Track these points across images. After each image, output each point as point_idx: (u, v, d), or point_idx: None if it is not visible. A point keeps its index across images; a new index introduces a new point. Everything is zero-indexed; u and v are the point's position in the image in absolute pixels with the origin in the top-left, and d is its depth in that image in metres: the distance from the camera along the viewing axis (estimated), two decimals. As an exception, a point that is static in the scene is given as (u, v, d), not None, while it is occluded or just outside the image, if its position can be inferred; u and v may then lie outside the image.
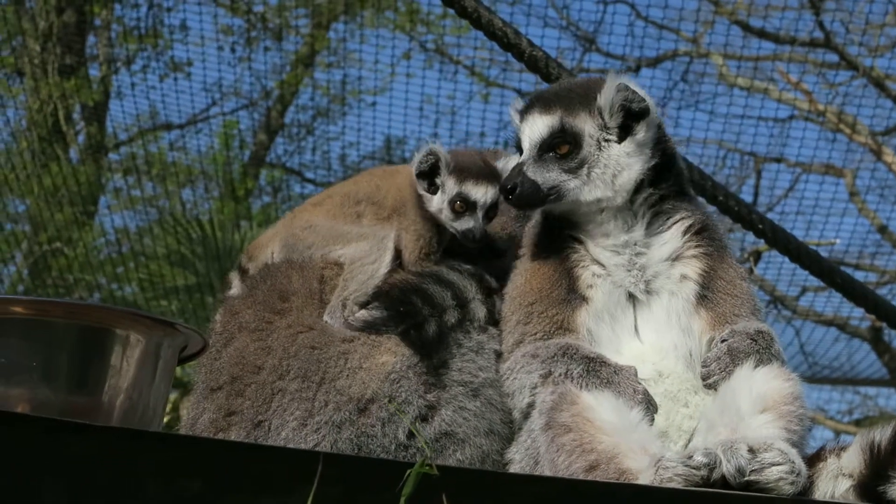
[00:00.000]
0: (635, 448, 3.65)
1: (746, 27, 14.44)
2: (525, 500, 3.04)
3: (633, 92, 4.15)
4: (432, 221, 4.46)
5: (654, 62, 14.71)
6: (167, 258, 14.34)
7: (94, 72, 16.34)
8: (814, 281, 11.55)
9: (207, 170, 15.79)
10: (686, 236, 4.20)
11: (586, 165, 4.12)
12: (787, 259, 8.31)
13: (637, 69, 14.69)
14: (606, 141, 4.15)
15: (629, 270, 4.15)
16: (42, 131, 15.25)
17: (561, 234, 4.23)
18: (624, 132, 4.16)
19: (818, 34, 14.33)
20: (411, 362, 4.05)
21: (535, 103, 4.22)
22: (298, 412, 4.01)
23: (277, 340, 4.17)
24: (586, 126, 4.13)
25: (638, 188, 4.17)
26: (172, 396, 11.88)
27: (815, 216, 13.56)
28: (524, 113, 4.24)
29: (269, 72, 15.57)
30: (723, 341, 4.01)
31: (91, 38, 16.40)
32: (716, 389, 3.96)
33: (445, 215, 4.42)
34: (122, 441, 2.85)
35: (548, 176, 4.12)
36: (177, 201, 15.46)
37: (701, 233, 4.22)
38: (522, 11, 13.33)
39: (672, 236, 4.20)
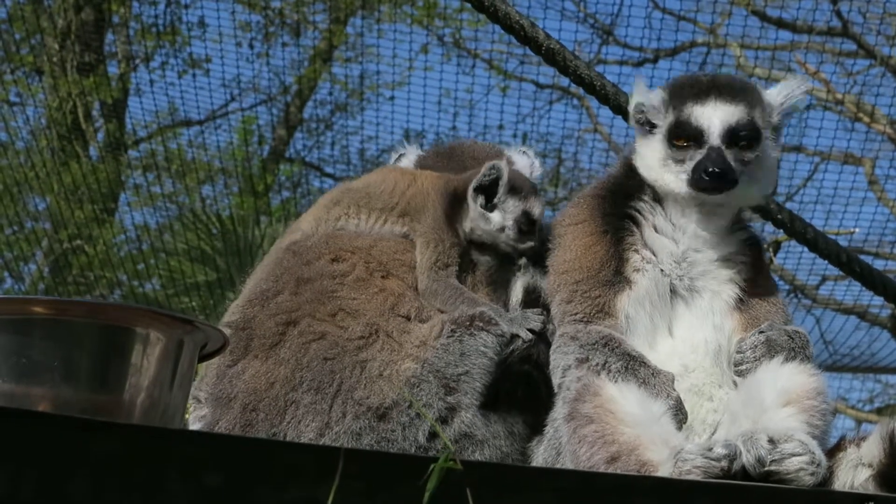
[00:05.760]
0: (656, 440, 3.66)
1: (764, 17, 14.40)
2: (547, 493, 3.04)
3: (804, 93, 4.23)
4: (455, 233, 4.44)
5: (672, 53, 14.66)
6: (187, 254, 14.37)
7: (113, 69, 16.39)
8: (833, 270, 11.48)
9: (227, 165, 15.80)
10: (740, 244, 4.24)
11: (760, 162, 4.13)
12: (806, 248, 8.30)
13: (655, 60, 14.70)
14: (773, 141, 4.18)
15: (678, 263, 4.15)
16: (61, 129, 15.27)
17: (621, 212, 4.24)
18: (777, 133, 4.21)
19: (836, 23, 14.29)
20: (434, 368, 4.05)
21: (712, 90, 4.13)
22: (314, 423, 4.00)
23: (290, 350, 4.16)
24: (762, 123, 4.13)
25: None
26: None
27: (835, 205, 13.52)
28: (697, 97, 4.12)
29: (288, 67, 15.59)
30: (761, 332, 4.03)
31: (109, 36, 16.44)
32: (744, 377, 3.98)
33: (508, 235, 4.41)
34: (145, 439, 2.86)
35: (734, 165, 4.05)
36: (196, 197, 15.48)
37: (752, 245, 4.28)
38: (540, 4, 13.36)
39: (731, 242, 4.23)
